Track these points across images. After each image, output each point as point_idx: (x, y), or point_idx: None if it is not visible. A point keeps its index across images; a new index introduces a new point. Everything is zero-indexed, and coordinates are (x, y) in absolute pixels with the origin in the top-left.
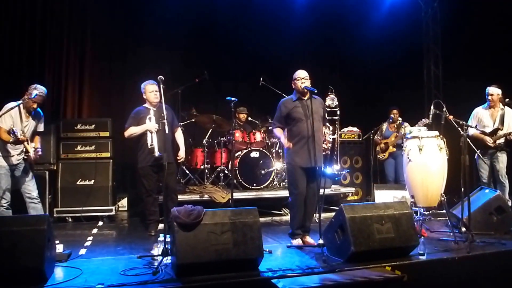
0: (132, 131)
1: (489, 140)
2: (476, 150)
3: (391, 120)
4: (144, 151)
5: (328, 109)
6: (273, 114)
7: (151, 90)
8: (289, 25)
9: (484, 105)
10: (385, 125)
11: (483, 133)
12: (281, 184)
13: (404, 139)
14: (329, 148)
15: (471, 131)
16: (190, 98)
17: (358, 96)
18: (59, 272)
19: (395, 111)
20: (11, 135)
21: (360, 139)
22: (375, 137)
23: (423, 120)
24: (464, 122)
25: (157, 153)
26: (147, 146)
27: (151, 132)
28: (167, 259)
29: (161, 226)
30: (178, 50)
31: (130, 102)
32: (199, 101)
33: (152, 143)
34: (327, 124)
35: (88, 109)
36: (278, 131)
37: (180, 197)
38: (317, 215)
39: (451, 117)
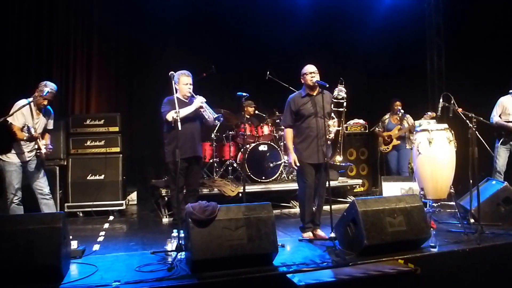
0: (185, 112)
1: None
2: (498, 137)
3: (394, 112)
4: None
5: (334, 100)
6: (280, 107)
7: (185, 82)
8: (294, 18)
9: (510, 94)
10: (387, 117)
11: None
12: (290, 177)
13: (414, 132)
14: (332, 139)
15: (495, 119)
16: (198, 92)
17: (362, 88)
18: (74, 269)
19: (398, 103)
20: (26, 132)
21: (366, 131)
22: (376, 129)
23: (429, 113)
24: (473, 115)
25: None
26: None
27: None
28: (181, 255)
29: (169, 220)
30: (185, 45)
31: (137, 97)
32: (206, 95)
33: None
34: (332, 115)
35: (96, 105)
36: (288, 135)
37: None
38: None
39: (460, 109)
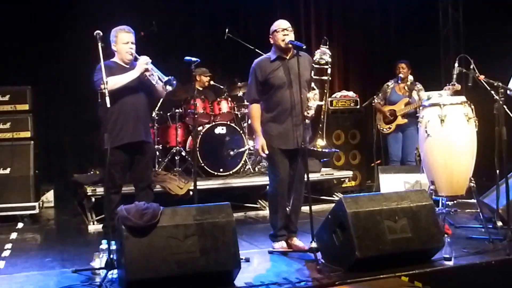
0: (123, 80)
1: None
2: None
3: (399, 80)
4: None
5: (316, 66)
6: (244, 76)
7: (125, 41)
8: None
9: None
10: (390, 86)
11: None
12: (256, 169)
13: (420, 108)
14: (312, 116)
15: None
16: None
17: (355, 49)
18: None
19: (403, 65)
20: None
21: (358, 106)
22: (375, 101)
23: (452, 85)
24: (500, 84)
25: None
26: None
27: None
28: (113, 274)
29: (97, 228)
30: None
31: (55, 65)
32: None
33: None
34: (313, 85)
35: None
36: (254, 112)
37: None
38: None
39: (482, 77)
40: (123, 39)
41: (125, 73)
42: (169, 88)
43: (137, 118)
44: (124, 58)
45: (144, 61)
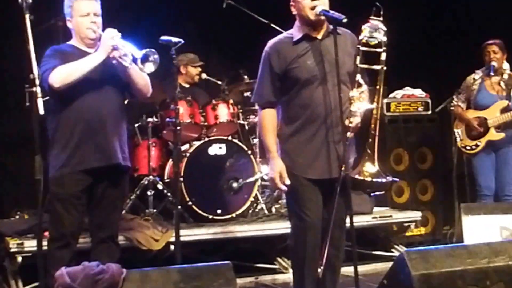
0: (72, 70)
1: None
2: None
3: (491, 71)
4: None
5: (364, 49)
6: (253, 66)
7: (84, 12)
8: None
9: None
10: (477, 80)
11: None
12: (273, 209)
13: None
14: (357, 127)
15: None
16: None
17: (422, 26)
18: None
19: (494, 48)
20: None
21: (429, 112)
22: (455, 102)
23: None
24: None
25: None
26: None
27: None
28: None
29: None
30: None
31: None
32: None
33: None
34: (359, 80)
35: None
36: (267, 121)
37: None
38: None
39: None
40: (80, 10)
41: (83, 58)
42: (149, 68)
43: (105, 129)
44: (85, 38)
45: (110, 35)
